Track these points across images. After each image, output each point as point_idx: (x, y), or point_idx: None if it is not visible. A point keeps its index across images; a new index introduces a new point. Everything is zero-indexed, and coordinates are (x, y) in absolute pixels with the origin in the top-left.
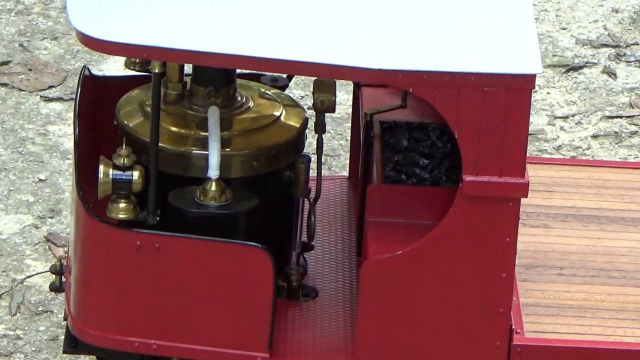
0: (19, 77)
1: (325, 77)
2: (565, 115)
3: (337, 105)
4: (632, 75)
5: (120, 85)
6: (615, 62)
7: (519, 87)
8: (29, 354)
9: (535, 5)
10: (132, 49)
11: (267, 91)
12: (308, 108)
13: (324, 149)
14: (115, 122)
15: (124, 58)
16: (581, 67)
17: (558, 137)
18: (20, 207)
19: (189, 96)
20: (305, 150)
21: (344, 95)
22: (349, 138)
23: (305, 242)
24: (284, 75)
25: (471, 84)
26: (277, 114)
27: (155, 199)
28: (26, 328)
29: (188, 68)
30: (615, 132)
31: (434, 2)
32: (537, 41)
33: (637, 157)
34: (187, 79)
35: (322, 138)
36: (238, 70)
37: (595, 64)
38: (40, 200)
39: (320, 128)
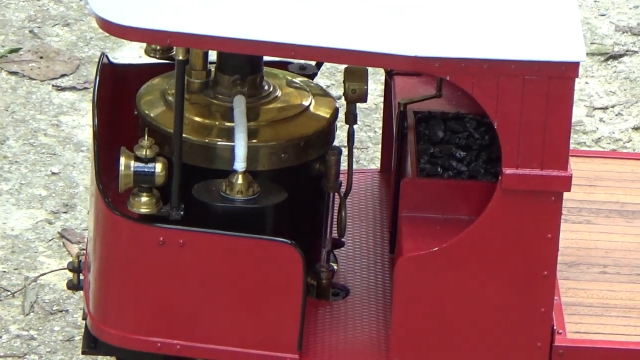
0: (30, 65)
1: (358, 64)
2: (604, 106)
3: None
4: None
5: (140, 73)
6: None
7: (562, 75)
8: (43, 355)
9: None
10: (155, 35)
11: (295, 80)
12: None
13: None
14: (135, 112)
15: (140, 45)
16: (621, 56)
17: (597, 129)
18: (32, 202)
19: (214, 85)
20: (334, 142)
21: (372, 84)
22: (377, 130)
23: (335, 239)
24: (313, 63)
25: (512, 72)
26: (306, 103)
27: (179, 192)
28: (40, 328)
29: (212, 55)
30: None
31: None
32: (580, 28)
33: None
34: (211, 67)
35: (353, 129)
36: (265, 58)
37: (635, 52)
38: (53, 195)
39: (351, 118)
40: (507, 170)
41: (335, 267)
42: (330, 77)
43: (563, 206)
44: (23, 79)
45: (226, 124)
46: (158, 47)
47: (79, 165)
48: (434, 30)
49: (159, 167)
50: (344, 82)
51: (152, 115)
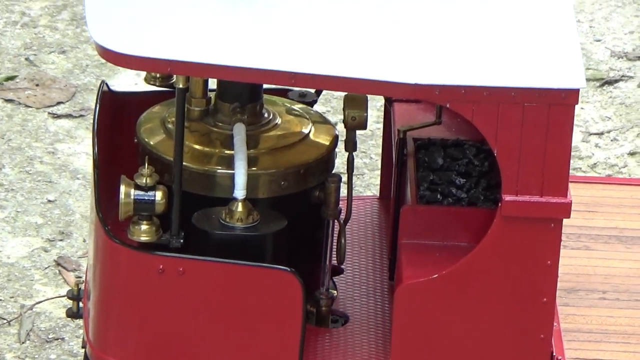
0: (26, 92)
1: (358, 92)
2: (600, 132)
3: None
4: None
5: (140, 101)
6: None
7: (562, 102)
8: None
9: None
10: (155, 63)
11: (295, 107)
12: None
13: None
14: (135, 140)
15: (137, 72)
16: (616, 81)
17: (593, 154)
18: (28, 230)
19: (214, 113)
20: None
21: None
22: (373, 156)
23: (335, 265)
24: (312, 91)
25: (511, 99)
26: (305, 131)
27: (179, 220)
28: (36, 356)
29: (212, 83)
30: None
31: (473, 15)
32: (580, 55)
33: None
34: (211, 95)
35: (352, 156)
36: (265, 85)
37: (631, 77)
38: (49, 222)
39: (350, 146)
40: (507, 197)
41: (335, 294)
42: (326, 103)
43: (562, 232)
44: (19, 106)
45: (226, 151)
46: (158, 75)
47: (75, 192)
48: (434, 57)
49: (159, 195)
50: (343, 109)
51: (152, 143)
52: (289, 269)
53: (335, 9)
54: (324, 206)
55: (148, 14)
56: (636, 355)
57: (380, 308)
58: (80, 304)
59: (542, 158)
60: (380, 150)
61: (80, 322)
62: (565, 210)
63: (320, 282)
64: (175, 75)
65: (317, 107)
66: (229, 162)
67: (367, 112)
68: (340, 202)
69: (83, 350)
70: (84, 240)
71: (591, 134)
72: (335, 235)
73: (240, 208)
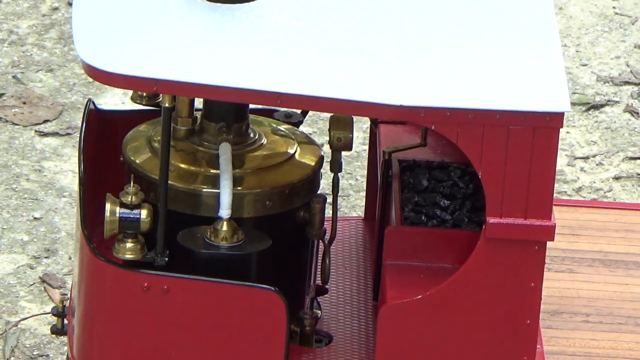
0: (13, 110)
1: (343, 113)
2: (585, 156)
3: None
4: None
5: (126, 119)
6: (639, 100)
7: (546, 125)
8: None
9: None
10: (142, 82)
11: (280, 127)
12: None
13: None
14: (121, 159)
15: (124, 91)
16: (602, 106)
17: (578, 178)
18: (14, 247)
19: (199, 132)
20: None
21: (354, 132)
22: (358, 177)
23: (319, 285)
24: (298, 111)
25: (496, 122)
26: (291, 151)
27: (164, 238)
28: None
29: (198, 102)
30: (638, 174)
31: (458, 38)
32: (565, 78)
33: None
34: (197, 114)
35: (338, 177)
36: (251, 105)
37: (617, 102)
38: (35, 240)
39: (336, 167)
40: (491, 220)
41: (319, 314)
42: (313, 124)
43: (546, 255)
44: (6, 124)
45: (212, 171)
46: (144, 94)
47: (61, 210)
48: (420, 79)
49: (144, 213)
50: (329, 130)
51: (137, 161)
52: (273, 288)
53: (322, 30)
54: (308, 226)
55: (135, 33)
56: None
57: (364, 328)
58: (65, 321)
59: (527, 181)
60: (365, 172)
61: (65, 339)
62: (549, 233)
63: (304, 301)
64: (161, 95)
65: (303, 128)
66: (215, 182)
67: (352, 134)
68: (325, 223)
69: None
70: (70, 258)
71: (576, 158)
72: (320, 255)
73: (225, 227)
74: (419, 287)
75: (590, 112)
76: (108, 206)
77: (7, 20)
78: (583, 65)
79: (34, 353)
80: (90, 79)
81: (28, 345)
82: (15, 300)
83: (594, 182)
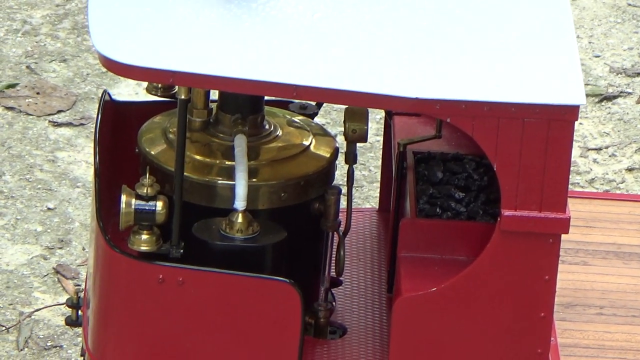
0: (27, 100)
1: (359, 105)
2: (598, 147)
3: None
4: None
5: (141, 110)
6: None
7: (562, 118)
8: None
9: None
10: (158, 74)
11: (295, 119)
12: None
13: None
14: (137, 150)
15: (137, 82)
16: (615, 97)
17: (591, 169)
18: (28, 237)
19: (215, 124)
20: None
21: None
22: (372, 168)
23: (333, 277)
24: (313, 103)
25: (511, 115)
26: (306, 143)
27: (179, 230)
28: None
29: (213, 94)
30: None
31: (473, 30)
32: (580, 71)
33: None
34: (213, 106)
35: (352, 169)
36: (266, 97)
37: (630, 93)
38: (48, 230)
39: (351, 158)
40: (506, 212)
41: (333, 306)
42: (326, 115)
43: (560, 247)
44: (20, 114)
45: (227, 162)
46: (159, 85)
47: (75, 201)
48: (435, 72)
49: (159, 205)
50: (344, 122)
51: (153, 153)
52: (288, 280)
53: (338, 22)
54: (323, 218)
55: (151, 25)
56: None
57: (378, 320)
58: (80, 312)
59: (542, 173)
60: (379, 163)
61: (79, 330)
62: (564, 225)
63: (318, 293)
64: (177, 86)
65: (317, 119)
66: (230, 173)
67: (367, 125)
68: (340, 214)
69: (82, 358)
70: (83, 249)
71: (589, 150)
72: (334, 247)
73: (240, 219)
74: (434, 279)
75: (603, 103)
76: (123, 198)
77: (21, 10)
78: (596, 57)
79: (48, 344)
80: (104, 69)
81: (42, 336)
82: (29, 291)
83: (607, 174)
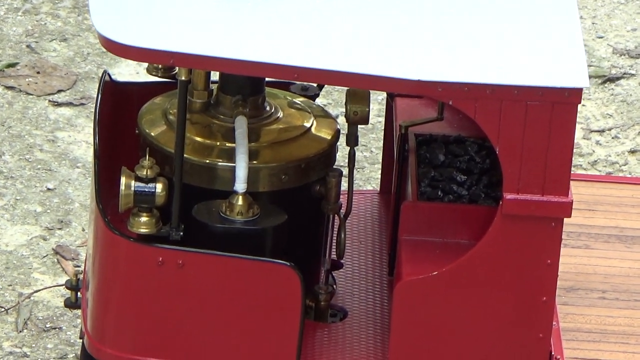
0: (27, 80)
1: (361, 87)
2: (601, 129)
3: None
4: None
5: (142, 91)
6: None
7: (565, 101)
8: None
9: None
10: (158, 55)
11: (296, 101)
12: None
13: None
14: (137, 131)
15: (138, 62)
16: (618, 78)
17: (593, 151)
18: (27, 218)
19: (215, 105)
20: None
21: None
22: (373, 149)
23: (334, 260)
24: (315, 85)
25: (514, 97)
26: (307, 125)
27: (179, 213)
28: (33, 345)
29: (214, 75)
30: None
31: (476, 13)
32: (584, 53)
33: None
34: (213, 87)
35: (354, 151)
36: (267, 79)
37: (633, 75)
38: (48, 211)
39: (352, 140)
40: (508, 196)
41: (334, 289)
42: (327, 96)
43: (562, 231)
44: (20, 94)
45: (227, 144)
46: (160, 66)
47: (75, 181)
48: (437, 54)
49: (159, 187)
50: (345, 104)
51: (153, 134)
52: (288, 264)
53: (340, 4)
54: (324, 200)
55: (151, 6)
56: (635, 356)
57: (379, 303)
58: (79, 294)
59: (544, 157)
60: (381, 144)
61: (78, 312)
62: (567, 209)
63: (319, 276)
64: (177, 68)
65: (318, 100)
66: (230, 155)
67: (369, 107)
68: (341, 196)
69: (81, 340)
70: (83, 229)
71: (592, 131)
72: (335, 229)
73: (240, 201)
74: (435, 263)
75: (606, 85)
76: (123, 180)
77: None
78: (599, 38)
79: (47, 325)
80: (105, 49)
81: (41, 318)
82: (28, 272)
83: (610, 156)
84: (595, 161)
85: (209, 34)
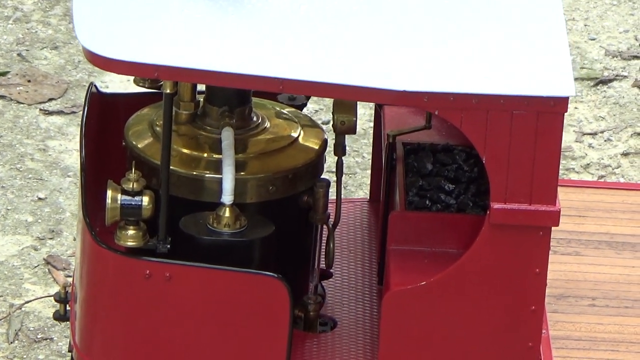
0: (17, 88)
1: (347, 98)
2: (593, 132)
3: None
4: None
5: (129, 102)
6: None
7: (551, 110)
8: None
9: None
10: (142, 68)
11: (284, 111)
12: (322, 123)
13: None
14: (124, 143)
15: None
16: (611, 81)
17: (586, 154)
18: (18, 228)
19: (202, 116)
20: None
21: (360, 109)
22: (365, 155)
23: (323, 270)
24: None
25: (500, 107)
26: (294, 135)
27: (166, 225)
28: (24, 356)
29: (201, 86)
30: None
31: (461, 22)
32: (570, 62)
33: None
34: (200, 98)
35: (342, 160)
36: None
37: (625, 77)
38: (39, 220)
39: (340, 150)
40: (495, 205)
41: (323, 299)
42: (319, 101)
43: (552, 237)
44: (10, 102)
45: (214, 156)
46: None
47: (66, 190)
48: (423, 64)
49: (145, 200)
50: (332, 113)
51: (139, 146)
52: (276, 275)
53: (324, 14)
54: (312, 211)
55: (136, 19)
56: None
57: (368, 313)
58: (68, 307)
59: (531, 166)
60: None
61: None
62: (554, 218)
63: (308, 287)
64: (163, 81)
65: (310, 105)
66: (217, 167)
67: (356, 117)
68: (330, 206)
69: (70, 353)
70: (74, 239)
71: (585, 134)
72: (324, 239)
73: (227, 213)
74: (424, 272)
75: (598, 87)
76: (109, 193)
77: None
78: (591, 40)
79: (38, 336)
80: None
81: (32, 328)
82: (19, 282)
83: (602, 159)
84: (588, 164)
85: (193, 47)
